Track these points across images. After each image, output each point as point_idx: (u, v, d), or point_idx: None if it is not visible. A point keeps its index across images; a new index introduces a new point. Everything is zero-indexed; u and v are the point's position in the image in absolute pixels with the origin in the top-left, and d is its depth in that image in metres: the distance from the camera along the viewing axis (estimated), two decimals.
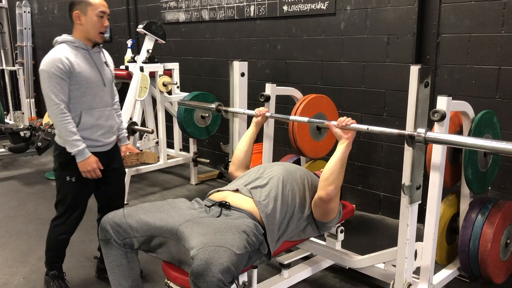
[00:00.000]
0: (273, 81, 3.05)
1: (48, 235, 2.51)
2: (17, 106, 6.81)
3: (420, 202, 2.02)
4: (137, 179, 4.57)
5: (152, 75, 4.32)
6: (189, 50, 5.07)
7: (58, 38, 2.34)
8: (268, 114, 2.58)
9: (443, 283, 2.39)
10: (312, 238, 2.57)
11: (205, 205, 2.05)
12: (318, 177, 2.34)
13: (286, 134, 2.96)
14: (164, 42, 4.38)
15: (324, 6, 3.66)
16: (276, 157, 3.28)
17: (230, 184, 2.27)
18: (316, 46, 3.81)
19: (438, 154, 2.03)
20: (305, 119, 2.42)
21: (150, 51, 4.28)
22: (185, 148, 4.76)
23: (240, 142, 2.57)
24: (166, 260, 1.93)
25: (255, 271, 2.14)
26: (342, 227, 2.61)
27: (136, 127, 3.87)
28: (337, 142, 2.12)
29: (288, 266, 2.52)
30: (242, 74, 2.89)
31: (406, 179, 1.95)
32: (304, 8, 3.80)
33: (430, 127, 1.90)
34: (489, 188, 2.95)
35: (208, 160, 4.62)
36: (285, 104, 3.62)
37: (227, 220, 1.91)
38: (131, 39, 4.89)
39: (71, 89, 2.28)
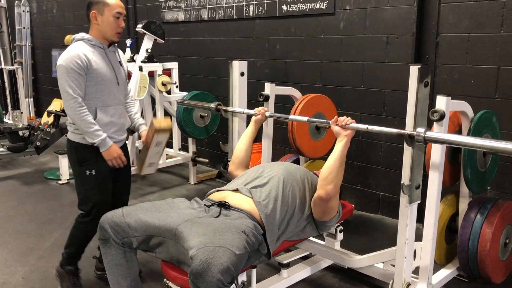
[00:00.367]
0: (272, 80, 3.05)
1: (74, 232, 2.52)
2: (16, 106, 6.80)
3: (419, 201, 2.02)
4: (136, 178, 4.57)
5: (151, 74, 4.31)
6: (188, 49, 5.06)
7: (76, 36, 2.38)
8: (267, 114, 2.58)
9: (442, 282, 2.39)
10: (311, 238, 2.57)
11: (204, 205, 2.04)
12: (318, 176, 2.34)
13: (285, 133, 2.96)
14: (163, 41, 4.38)
15: (323, 5, 3.66)
16: (275, 157, 3.28)
17: (229, 183, 2.27)
18: (315, 45, 3.81)
19: (437, 154, 2.03)
20: (305, 118, 2.42)
21: (149, 50, 4.27)
22: (184, 147, 4.76)
23: (240, 141, 2.57)
24: (165, 260, 1.93)
25: (254, 271, 2.14)
26: (341, 227, 2.61)
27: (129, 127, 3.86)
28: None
29: (287, 265, 2.52)
30: (242, 74, 2.89)
31: (405, 178, 1.95)
32: (303, 7, 3.80)
33: (429, 126, 1.91)
34: (488, 188, 2.95)
35: (207, 160, 4.62)
36: (284, 104, 3.61)
37: (226, 220, 1.90)
38: (130, 39, 4.88)
39: (87, 85, 2.32)
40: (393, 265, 2.20)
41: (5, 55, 6.97)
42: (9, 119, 6.56)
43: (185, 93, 4.32)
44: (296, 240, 2.27)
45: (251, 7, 4.22)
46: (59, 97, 2.46)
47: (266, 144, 2.90)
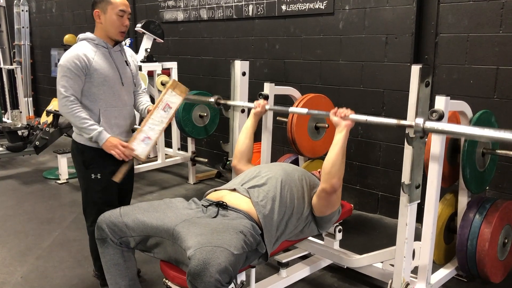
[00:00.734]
0: (271, 80, 3.04)
1: (92, 245, 2.44)
2: (15, 105, 6.81)
3: (419, 201, 2.02)
4: (135, 178, 4.54)
5: (150, 74, 4.31)
6: (187, 49, 5.06)
7: (80, 35, 2.37)
8: (267, 106, 2.58)
9: (441, 282, 2.40)
10: (310, 238, 2.57)
11: (202, 205, 2.04)
12: (316, 176, 2.34)
13: (284, 133, 2.96)
14: (162, 41, 4.38)
15: (322, 5, 3.66)
16: (275, 157, 3.28)
17: (227, 183, 2.27)
18: (315, 45, 3.81)
19: (437, 146, 2.02)
20: (304, 110, 2.38)
21: (149, 50, 4.27)
22: (183, 147, 4.76)
23: (240, 134, 2.58)
24: (163, 259, 1.93)
25: (253, 271, 2.14)
26: (340, 227, 2.61)
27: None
28: None
29: (286, 265, 2.52)
30: (244, 74, 2.88)
31: (405, 177, 1.95)
32: (302, 7, 3.80)
33: None
34: (487, 187, 2.96)
35: (206, 160, 4.62)
36: (283, 104, 3.61)
37: (224, 221, 1.90)
38: (129, 38, 4.89)
39: (89, 86, 2.29)
40: (392, 265, 2.20)
41: (4, 55, 6.98)
42: (8, 119, 6.57)
43: None
44: (295, 240, 2.27)
45: (251, 7, 4.22)
46: None
47: (266, 139, 2.87)
